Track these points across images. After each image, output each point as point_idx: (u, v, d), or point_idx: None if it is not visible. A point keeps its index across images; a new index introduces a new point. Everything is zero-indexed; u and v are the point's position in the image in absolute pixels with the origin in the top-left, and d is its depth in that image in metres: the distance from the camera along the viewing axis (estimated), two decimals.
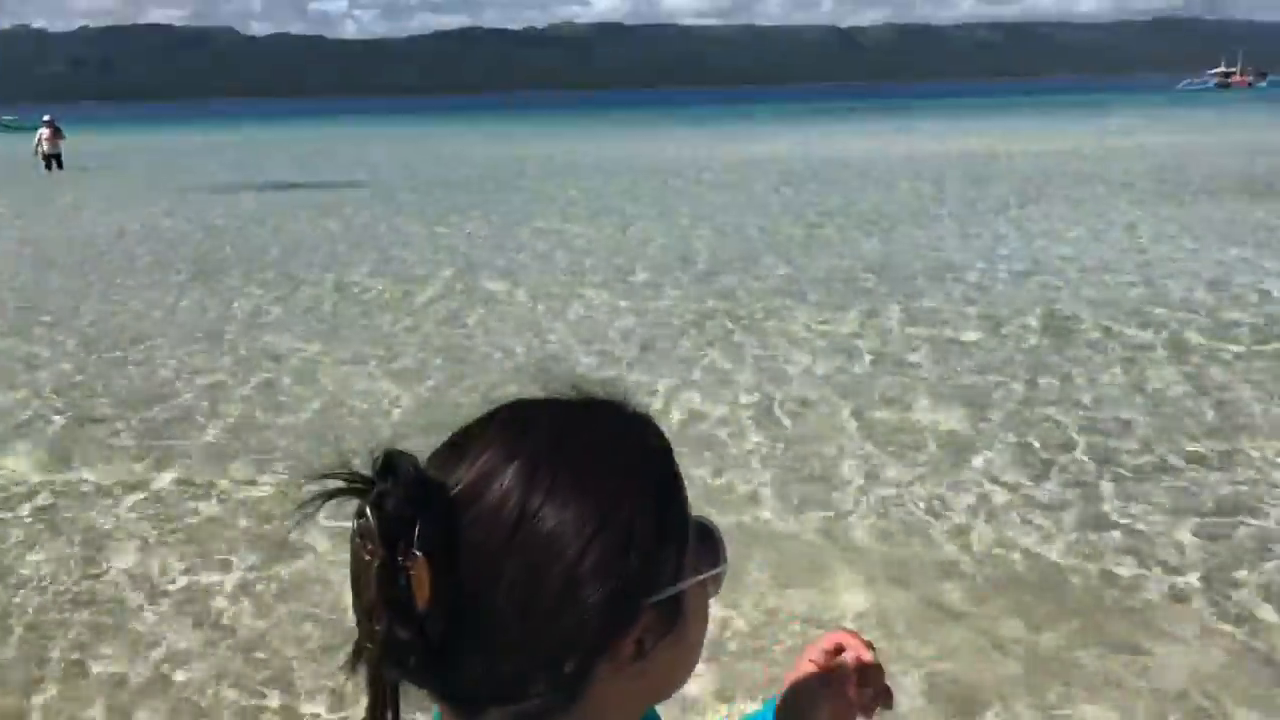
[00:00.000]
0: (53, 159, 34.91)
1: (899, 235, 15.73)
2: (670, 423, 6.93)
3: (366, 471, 0.84)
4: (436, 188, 26.29)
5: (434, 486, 0.85)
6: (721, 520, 3.74)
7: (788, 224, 17.36)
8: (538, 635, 0.84)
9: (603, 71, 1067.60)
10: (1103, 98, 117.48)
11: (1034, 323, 9.50)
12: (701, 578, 0.90)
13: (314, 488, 0.84)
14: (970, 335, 9.03)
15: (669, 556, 0.88)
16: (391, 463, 0.84)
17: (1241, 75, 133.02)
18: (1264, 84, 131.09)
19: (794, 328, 9.70)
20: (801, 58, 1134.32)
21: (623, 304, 11.06)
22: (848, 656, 1.13)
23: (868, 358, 8.48)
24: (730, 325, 9.84)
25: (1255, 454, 6.12)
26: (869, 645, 1.15)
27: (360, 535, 0.82)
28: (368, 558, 0.82)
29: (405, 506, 0.83)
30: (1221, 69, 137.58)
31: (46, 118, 36.53)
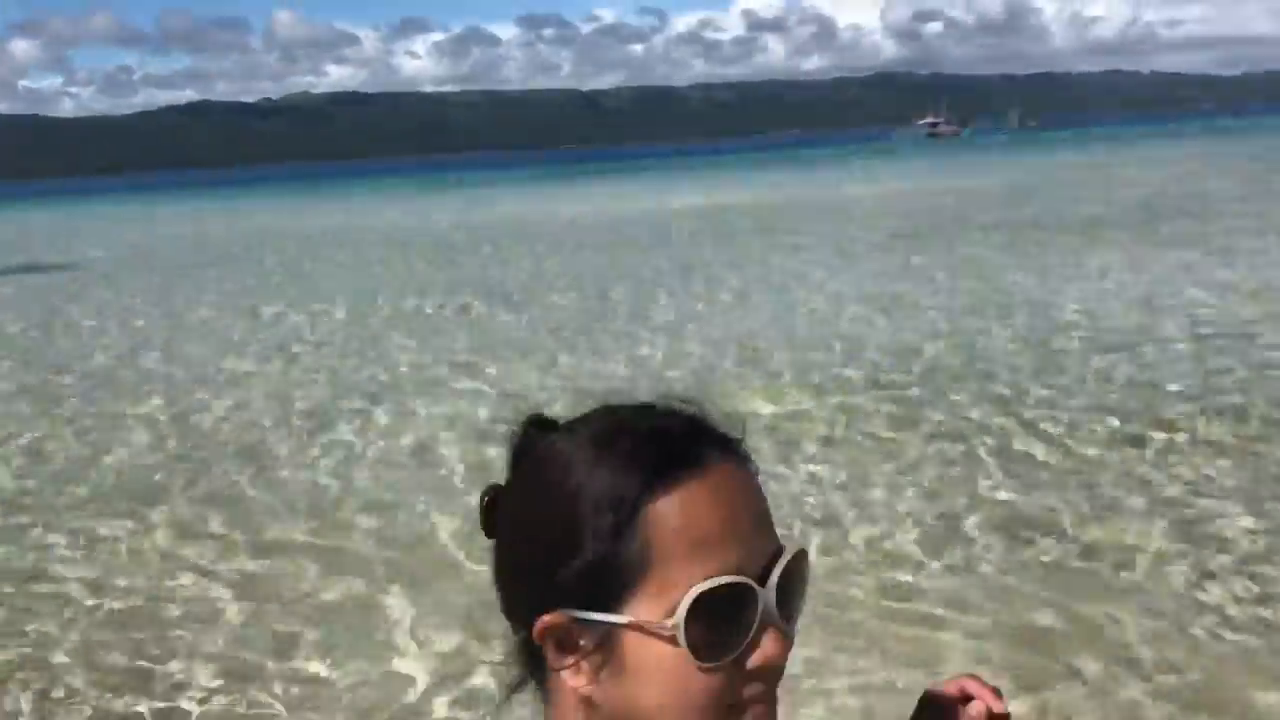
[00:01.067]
0: None
1: None
2: None
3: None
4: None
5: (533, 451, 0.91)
6: None
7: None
8: (504, 582, 0.89)
9: (342, 141, 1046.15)
10: (820, 152, 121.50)
11: None
12: (639, 623, 0.82)
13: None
14: None
15: (613, 580, 0.83)
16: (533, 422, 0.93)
17: (947, 125, 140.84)
18: (966, 131, 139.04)
19: None
20: (545, 121, 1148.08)
21: None
22: (976, 707, 1.04)
23: None
24: None
25: None
26: (997, 693, 1.06)
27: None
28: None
29: (516, 449, 0.93)
30: (930, 119, 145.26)
31: None
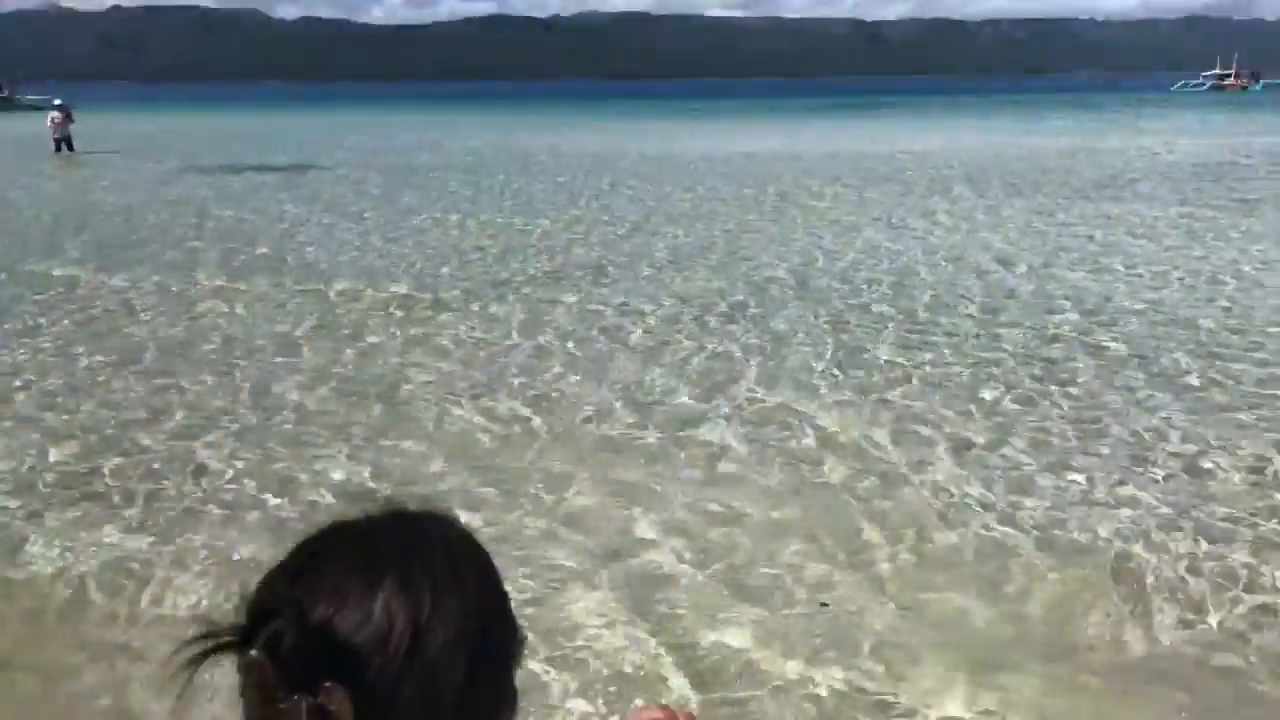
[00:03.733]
0: (62, 141, 35.65)
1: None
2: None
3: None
4: (397, 172, 28.69)
5: (320, 622, 0.88)
6: None
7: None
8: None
9: (627, 60, 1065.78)
10: (1095, 98, 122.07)
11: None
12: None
13: (188, 650, 0.87)
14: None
15: (516, 640, 1.01)
16: (271, 608, 0.87)
17: (1236, 79, 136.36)
18: (1257, 87, 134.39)
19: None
20: (826, 51, 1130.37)
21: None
22: None
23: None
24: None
25: None
26: (690, 717, 1.20)
27: (260, 686, 0.85)
28: (282, 705, 0.85)
29: (304, 645, 0.86)
30: (1217, 70, 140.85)
31: (57, 102, 39.11)
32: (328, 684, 0.85)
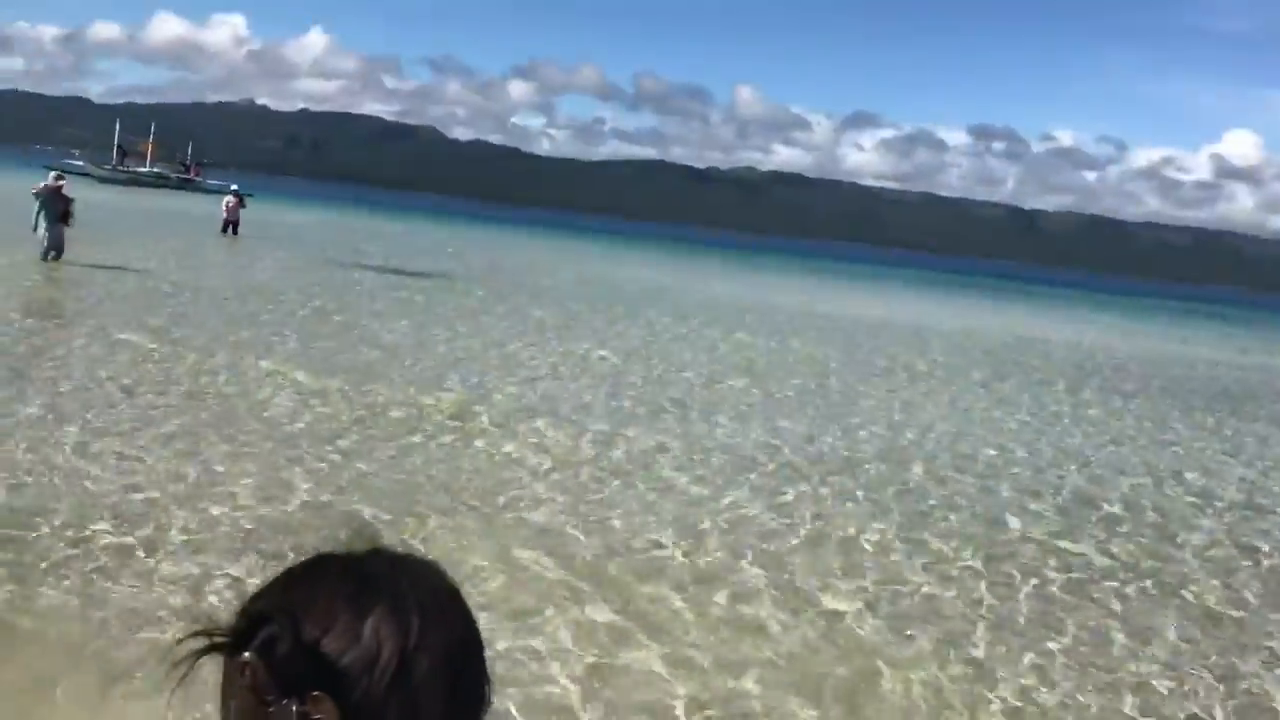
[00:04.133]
0: (230, 224, 37.87)
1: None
2: None
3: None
4: (513, 288, 30.74)
5: (311, 637, 0.90)
6: None
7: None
8: None
9: (778, 217, 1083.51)
10: (1253, 315, 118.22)
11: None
12: None
13: (184, 647, 0.90)
14: None
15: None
16: (266, 615, 0.90)
17: None
18: None
19: None
20: (978, 232, 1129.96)
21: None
22: None
23: None
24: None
25: None
26: None
27: (253, 688, 0.87)
28: (271, 709, 0.87)
29: (296, 654, 0.88)
30: None
31: (234, 187, 42.52)
32: (316, 693, 0.87)
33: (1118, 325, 54.59)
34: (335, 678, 0.89)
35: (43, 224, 22.72)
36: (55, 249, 22.57)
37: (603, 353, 19.14)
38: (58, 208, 22.83)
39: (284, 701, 0.86)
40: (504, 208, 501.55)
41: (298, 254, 34.56)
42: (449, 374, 14.90)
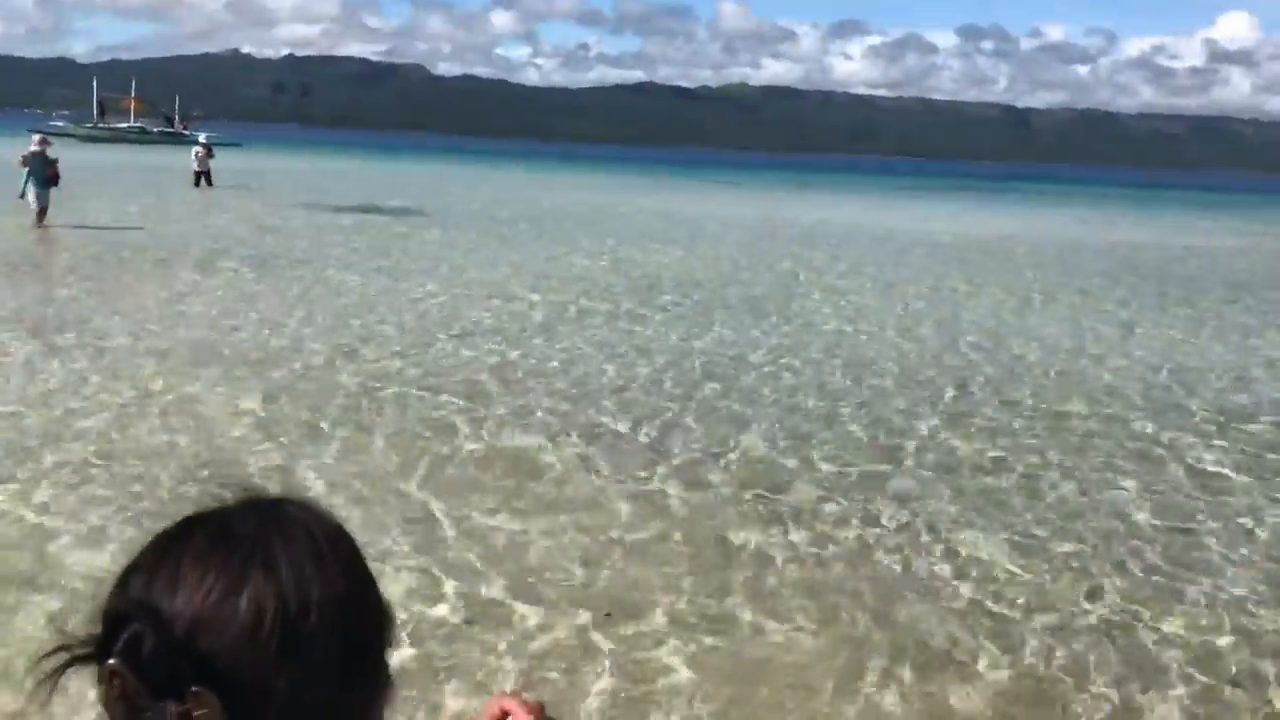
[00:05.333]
0: (202, 175, 37.38)
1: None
2: None
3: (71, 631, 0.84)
4: (497, 223, 30.85)
5: (181, 623, 0.82)
6: None
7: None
8: None
9: (772, 133, 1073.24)
10: (1248, 199, 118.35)
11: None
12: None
13: (43, 666, 0.83)
14: None
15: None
16: (126, 613, 0.82)
17: None
18: None
19: None
20: (973, 134, 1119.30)
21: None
22: None
23: None
24: None
25: None
26: (538, 707, 1.22)
27: (122, 696, 0.80)
28: (147, 715, 0.80)
29: (164, 651, 0.80)
30: None
31: (201, 138, 42.43)
32: (195, 689, 0.81)
33: (1096, 217, 55.37)
34: (213, 666, 0.82)
35: (31, 189, 22.95)
36: (41, 210, 23.12)
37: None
38: (44, 171, 23.23)
39: (160, 704, 0.80)
40: (495, 142, 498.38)
41: (260, 200, 34.30)
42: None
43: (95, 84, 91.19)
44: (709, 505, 7.47)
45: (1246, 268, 29.14)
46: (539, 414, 9.58)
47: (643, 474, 8.04)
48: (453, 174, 70.99)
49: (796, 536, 6.90)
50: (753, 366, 12.26)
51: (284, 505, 0.94)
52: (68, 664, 0.83)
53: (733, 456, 8.65)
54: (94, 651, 0.82)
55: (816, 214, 44.43)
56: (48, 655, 0.83)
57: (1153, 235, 41.62)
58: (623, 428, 9.31)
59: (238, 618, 0.84)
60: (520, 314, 14.96)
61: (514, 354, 12.14)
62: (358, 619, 0.91)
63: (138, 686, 0.80)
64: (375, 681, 0.93)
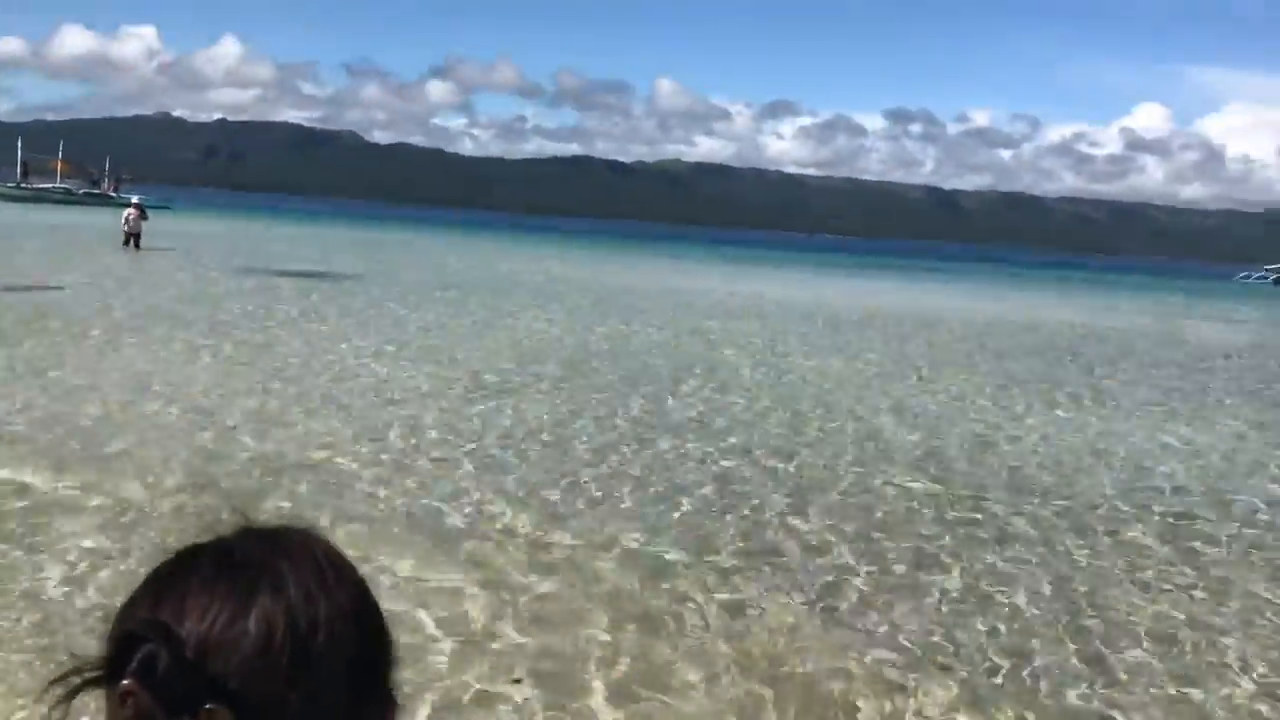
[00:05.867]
0: (132, 237, 37.52)
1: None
2: None
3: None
4: (428, 290, 30.58)
5: (194, 641, 0.83)
6: None
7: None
8: None
9: (704, 208, 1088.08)
10: (1162, 281, 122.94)
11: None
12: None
13: (55, 689, 0.83)
14: None
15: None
16: (138, 633, 0.82)
17: None
18: None
19: None
20: (901, 213, 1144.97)
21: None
22: None
23: None
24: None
25: None
26: None
27: (135, 716, 0.80)
28: None
29: (178, 669, 0.81)
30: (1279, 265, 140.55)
31: (135, 199, 42.17)
32: (209, 706, 0.81)
33: (984, 292, 57.13)
34: (226, 684, 0.82)
35: None
36: None
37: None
38: None
39: None
40: (430, 210, 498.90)
41: (186, 263, 34.03)
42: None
43: (20, 143, 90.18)
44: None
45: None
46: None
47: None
48: (381, 241, 71.67)
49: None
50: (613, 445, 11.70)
51: (287, 531, 0.96)
52: (80, 686, 0.83)
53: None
54: (106, 672, 0.83)
55: (731, 286, 44.99)
56: (60, 678, 0.83)
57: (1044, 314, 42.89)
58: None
59: (249, 636, 0.84)
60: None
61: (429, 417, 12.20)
62: (364, 637, 0.92)
63: (152, 705, 0.80)
64: (382, 697, 0.95)
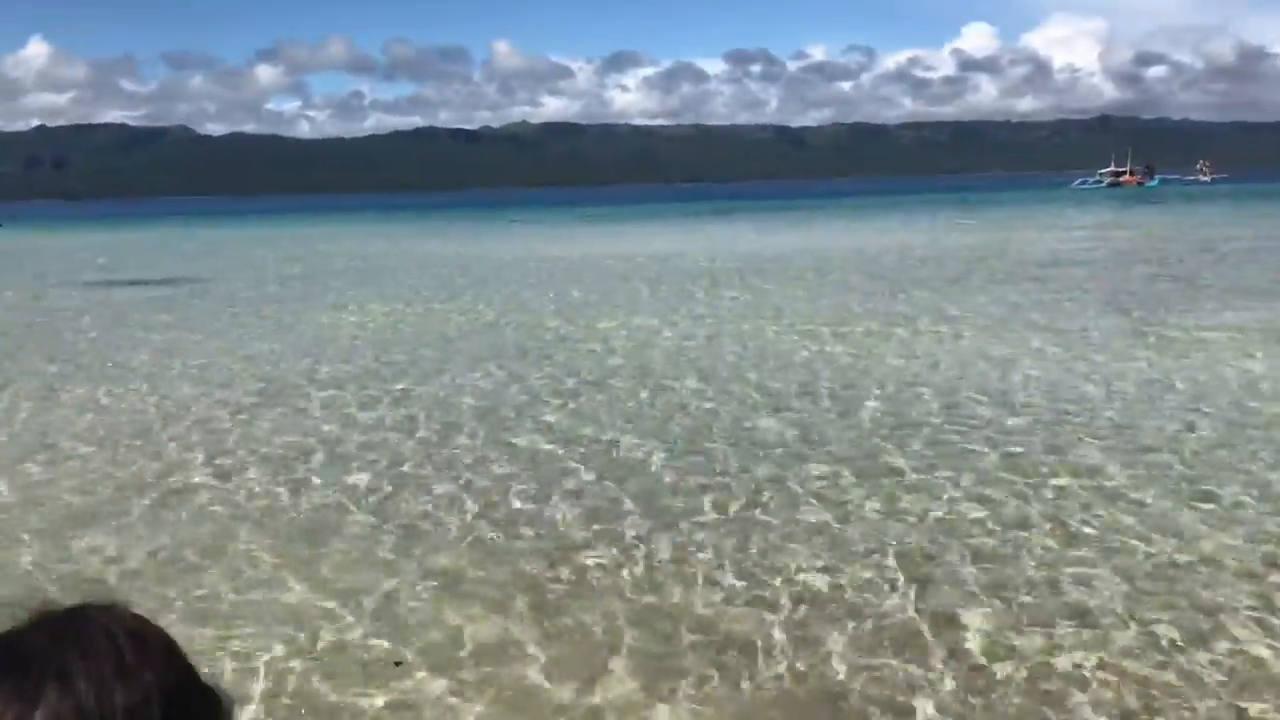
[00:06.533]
0: None
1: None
2: None
3: None
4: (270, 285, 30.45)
5: None
6: None
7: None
8: None
9: (558, 168, 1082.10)
10: (1001, 195, 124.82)
11: None
12: None
13: None
14: None
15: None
16: None
17: (1131, 174, 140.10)
18: (1153, 182, 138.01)
19: None
20: (751, 155, 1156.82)
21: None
22: None
23: None
24: None
25: None
26: None
27: None
28: None
29: None
30: (1112, 168, 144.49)
31: None
32: None
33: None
34: None
35: None
36: None
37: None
38: None
39: None
40: (272, 199, 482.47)
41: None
42: None
43: None
44: None
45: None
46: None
47: None
48: (223, 240, 68.23)
49: None
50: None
51: (82, 612, 0.90)
52: None
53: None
54: None
55: (561, 249, 43.65)
56: None
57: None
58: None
59: None
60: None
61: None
62: (176, 713, 0.86)
63: None
64: None
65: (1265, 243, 36.29)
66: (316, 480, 9.83)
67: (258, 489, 9.59)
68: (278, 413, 12.67)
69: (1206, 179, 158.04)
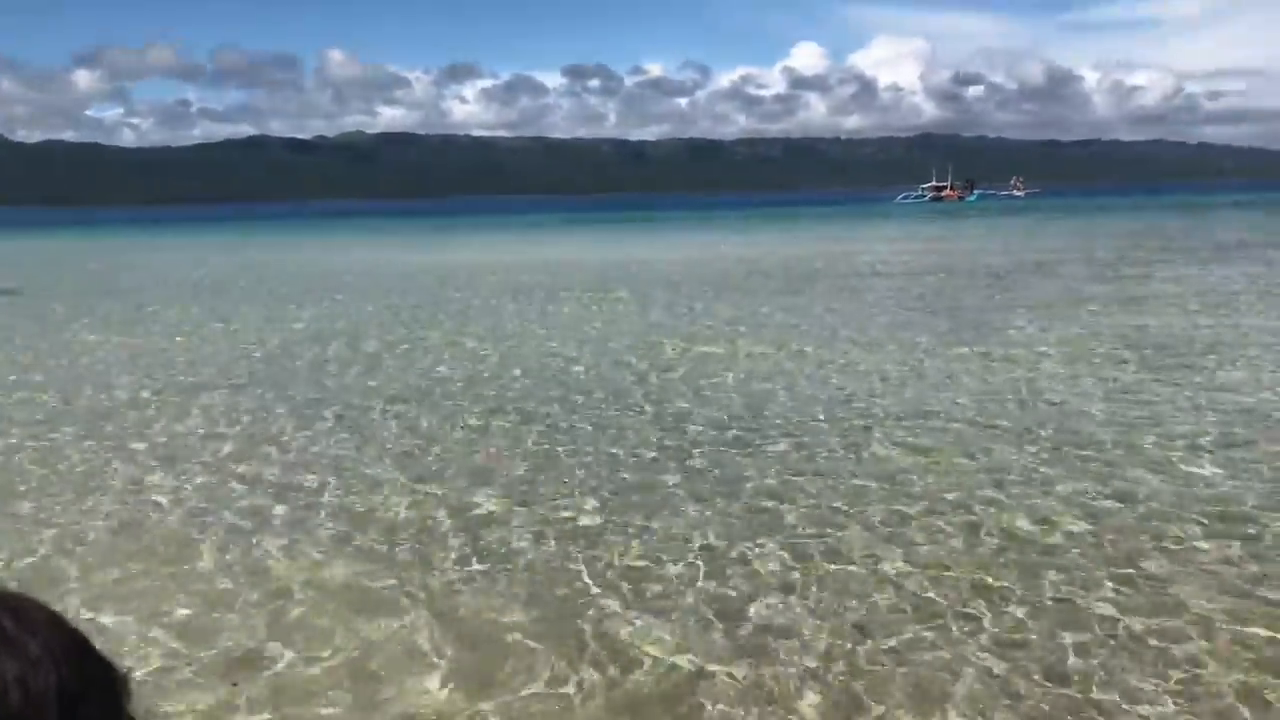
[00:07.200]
0: None
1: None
2: None
3: None
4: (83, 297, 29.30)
5: None
6: None
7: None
8: None
9: (394, 179, 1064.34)
10: (830, 210, 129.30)
11: None
12: None
13: None
14: None
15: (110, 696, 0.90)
16: None
17: (952, 189, 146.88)
18: (973, 197, 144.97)
19: None
20: (591, 169, 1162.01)
21: None
22: None
23: None
24: None
25: None
26: None
27: None
28: None
29: None
30: (934, 183, 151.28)
31: None
32: None
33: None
34: None
35: None
36: None
37: None
38: None
39: None
40: (92, 210, 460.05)
41: None
42: None
43: None
44: None
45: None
46: None
47: None
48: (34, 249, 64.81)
49: None
50: None
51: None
52: None
53: None
54: None
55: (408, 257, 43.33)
56: None
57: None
58: None
59: None
60: None
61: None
62: (72, 676, 0.85)
63: None
64: None
65: (1064, 255, 38.85)
66: None
67: None
68: None
69: (1020, 194, 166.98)
